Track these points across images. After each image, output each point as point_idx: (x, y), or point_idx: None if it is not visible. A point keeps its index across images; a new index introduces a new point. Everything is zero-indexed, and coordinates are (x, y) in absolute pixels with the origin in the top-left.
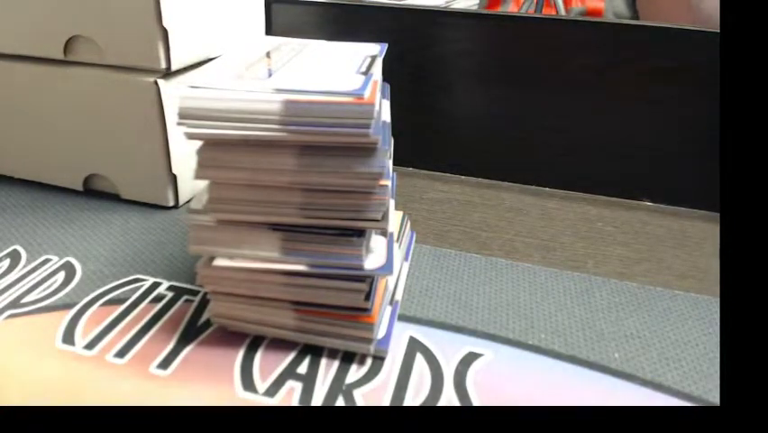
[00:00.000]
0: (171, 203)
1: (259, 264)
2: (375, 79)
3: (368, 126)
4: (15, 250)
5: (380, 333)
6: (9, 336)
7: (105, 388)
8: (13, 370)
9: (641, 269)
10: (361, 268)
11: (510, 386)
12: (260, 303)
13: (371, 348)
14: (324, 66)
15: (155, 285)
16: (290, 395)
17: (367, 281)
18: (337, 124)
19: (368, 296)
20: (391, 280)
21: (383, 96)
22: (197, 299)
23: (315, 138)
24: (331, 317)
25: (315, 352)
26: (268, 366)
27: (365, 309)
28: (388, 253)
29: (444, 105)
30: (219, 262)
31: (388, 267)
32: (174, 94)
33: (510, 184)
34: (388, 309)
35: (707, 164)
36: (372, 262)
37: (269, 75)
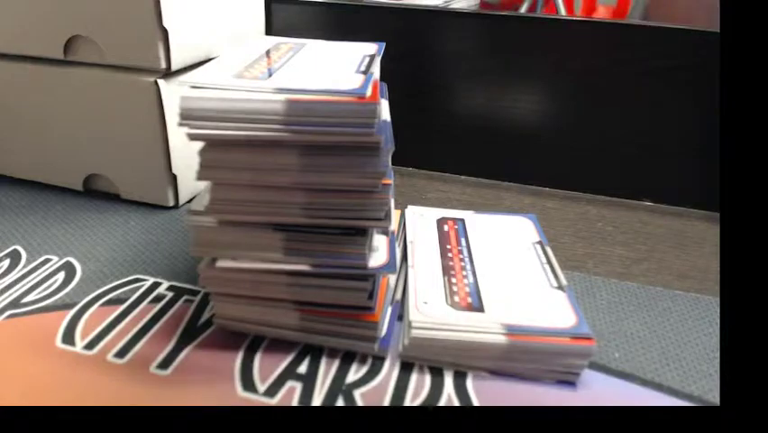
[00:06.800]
0: (171, 203)
1: (262, 265)
2: (375, 78)
3: (371, 126)
4: (15, 250)
5: (382, 332)
6: (9, 336)
7: (105, 388)
8: (13, 370)
9: (641, 269)
10: (364, 267)
11: (510, 386)
12: (263, 304)
13: (375, 347)
14: (323, 65)
15: (155, 285)
16: (290, 395)
17: (370, 280)
18: (340, 123)
19: (371, 294)
20: (392, 279)
21: (382, 96)
22: (197, 299)
23: (317, 138)
24: (334, 316)
25: (315, 352)
26: (268, 366)
27: (368, 308)
28: (390, 251)
29: (444, 105)
30: (222, 263)
31: (391, 265)
32: (174, 93)
33: (510, 184)
34: (389, 310)
35: (707, 164)
36: (375, 260)
37: (270, 74)
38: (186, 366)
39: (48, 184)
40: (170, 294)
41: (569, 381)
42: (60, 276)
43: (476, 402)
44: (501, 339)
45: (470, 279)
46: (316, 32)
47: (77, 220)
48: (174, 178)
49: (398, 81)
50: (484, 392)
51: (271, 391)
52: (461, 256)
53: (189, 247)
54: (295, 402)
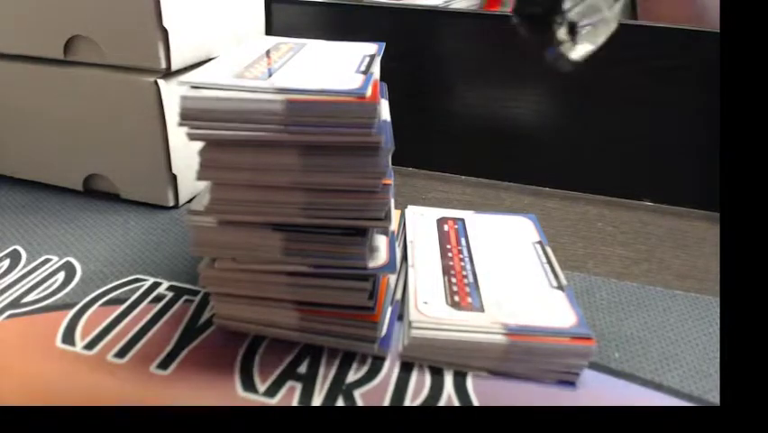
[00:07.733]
0: (171, 203)
1: (262, 265)
2: (375, 78)
3: (371, 126)
4: (15, 250)
5: (382, 332)
6: (9, 336)
7: (105, 388)
8: (13, 370)
9: (641, 269)
10: (364, 267)
11: (510, 386)
12: (263, 304)
13: (375, 347)
14: (323, 65)
15: (155, 285)
16: (290, 395)
17: (370, 280)
18: (340, 123)
19: (371, 295)
20: (392, 279)
21: (382, 96)
22: (197, 299)
23: (317, 138)
24: (334, 316)
25: (315, 352)
26: (268, 366)
27: (369, 308)
28: (390, 251)
29: (444, 105)
30: (222, 263)
31: (391, 266)
32: (174, 93)
33: (510, 184)
34: (389, 310)
35: (707, 164)
36: (375, 260)
37: (270, 74)
38: (186, 366)
39: (48, 184)
40: (170, 294)
41: (569, 381)
42: (60, 276)
43: (476, 402)
44: (501, 339)
45: (470, 279)
46: (316, 32)
47: (77, 220)
48: (174, 178)
49: (398, 81)
50: (484, 392)
51: (271, 391)
52: (461, 256)
53: (189, 247)
54: (295, 402)
